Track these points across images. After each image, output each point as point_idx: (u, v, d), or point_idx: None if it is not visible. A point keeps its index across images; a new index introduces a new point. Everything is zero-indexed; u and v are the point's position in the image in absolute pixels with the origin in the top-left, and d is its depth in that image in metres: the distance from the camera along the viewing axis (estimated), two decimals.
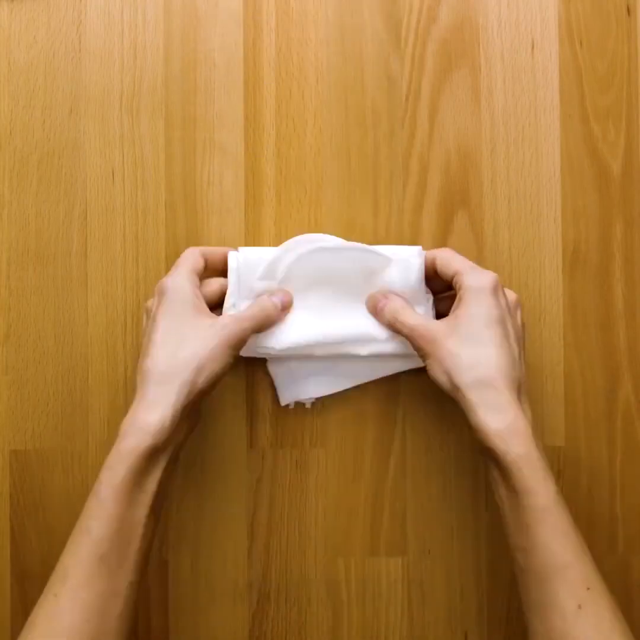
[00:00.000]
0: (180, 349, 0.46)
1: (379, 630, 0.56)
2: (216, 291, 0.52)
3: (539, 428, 0.55)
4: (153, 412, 0.45)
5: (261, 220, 0.56)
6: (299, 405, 0.55)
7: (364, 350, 0.52)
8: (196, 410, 0.49)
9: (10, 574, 0.55)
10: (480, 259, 0.56)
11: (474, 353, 0.46)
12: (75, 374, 0.55)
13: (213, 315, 0.49)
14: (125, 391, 0.55)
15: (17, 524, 0.55)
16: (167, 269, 0.55)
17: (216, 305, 0.52)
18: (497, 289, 0.48)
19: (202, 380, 0.46)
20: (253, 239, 0.55)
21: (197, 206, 0.55)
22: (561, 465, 0.55)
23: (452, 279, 0.50)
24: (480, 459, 0.55)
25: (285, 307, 0.51)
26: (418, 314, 0.50)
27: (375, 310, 0.52)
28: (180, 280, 0.49)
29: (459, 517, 0.56)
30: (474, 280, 0.48)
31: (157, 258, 0.55)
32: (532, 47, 0.56)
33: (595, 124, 0.56)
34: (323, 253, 0.51)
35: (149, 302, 0.51)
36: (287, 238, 0.55)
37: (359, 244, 0.52)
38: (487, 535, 0.55)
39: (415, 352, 0.50)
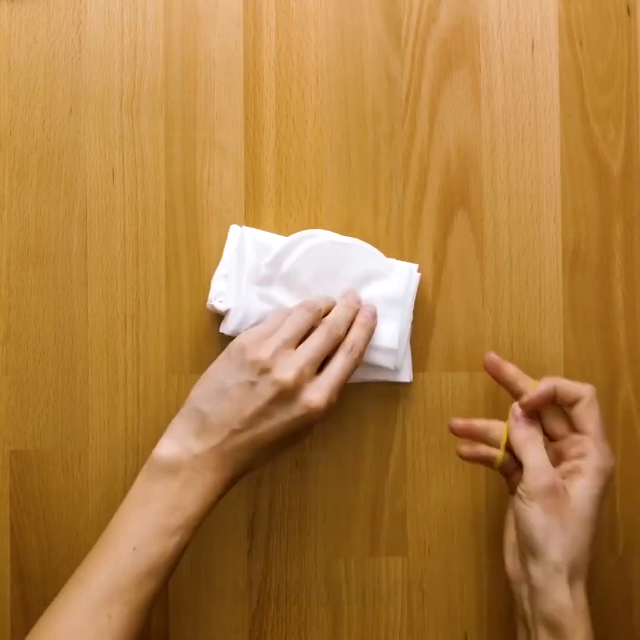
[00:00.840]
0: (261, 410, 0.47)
1: (379, 630, 0.56)
2: None
3: None
4: (211, 495, 0.47)
5: (261, 220, 0.56)
6: None
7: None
8: None
9: (10, 574, 0.55)
10: (480, 259, 0.56)
11: (573, 541, 0.46)
12: (75, 374, 0.55)
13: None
14: (125, 391, 0.55)
15: (17, 524, 0.55)
16: (167, 269, 0.55)
17: None
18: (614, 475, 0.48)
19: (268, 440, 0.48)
20: None
21: (197, 206, 0.55)
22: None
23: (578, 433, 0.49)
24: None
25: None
26: (544, 454, 0.48)
27: (478, 458, 0.50)
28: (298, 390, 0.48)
29: (459, 517, 0.56)
30: (602, 460, 0.47)
31: (157, 258, 0.55)
32: (532, 47, 0.56)
33: (595, 124, 0.56)
34: (328, 248, 0.52)
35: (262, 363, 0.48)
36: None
37: (365, 244, 0.53)
38: (487, 535, 0.55)
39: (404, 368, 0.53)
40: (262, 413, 0.47)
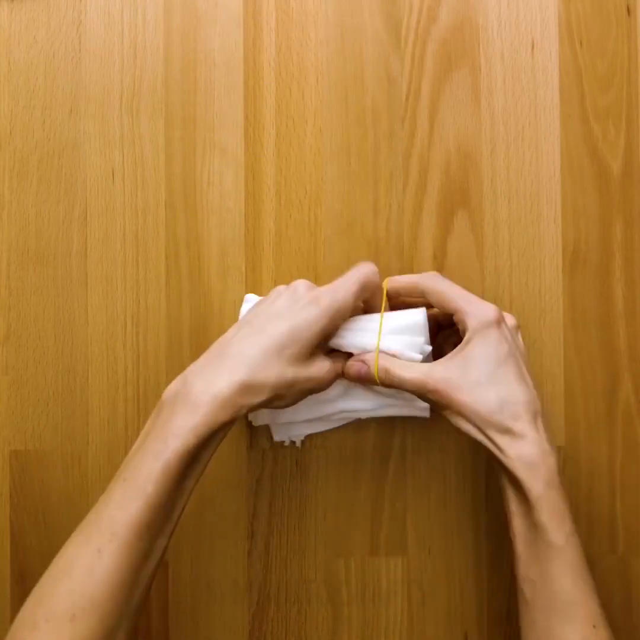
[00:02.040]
0: (282, 368, 0.46)
1: (379, 630, 0.56)
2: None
3: None
4: (238, 396, 0.45)
5: (261, 220, 0.56)
6: (292, 442, 0.55)
7: (363, 415, 0.54)
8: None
9: (10, 574, 0.55)
10: (480, 259, 0.56)
11: (494, 396, 0.46)
12: (75, 374, 0.55)
13: (323, 352, 0.49)
14: (125, 391, 0.55)
15: (17, 524, 0.55)
16: (167, 269, 0.55)
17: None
18: (500, 321, 0.47)
19: (277, 403, 0.47)
20: (253, 239, 0.55)
21: (197, 206, 0.55)
22: (561, 465, 0.55)
23: (450, 313, 0.49)
24: (480, 460, 0.55)
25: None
26: (415, 365, 0.48)
27: (359, 377, 0.49)
28: (338, 315, 0.47)
29: (459, 517, 0.56)
30: (476, 318, 0.47)
31: (157, 258, 0.55)
32: (532, 47, 0.56)
33: (595, 124, 0.56)
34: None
35: (304, 287, 0.48)
36: (287, 238, 0.55)
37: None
38: (487, 535, 0.55)
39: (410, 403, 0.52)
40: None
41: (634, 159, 0.56)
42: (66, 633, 0.41)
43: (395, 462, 0.56)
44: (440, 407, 0.47)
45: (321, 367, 0.47)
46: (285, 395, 0.46)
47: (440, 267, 0.55)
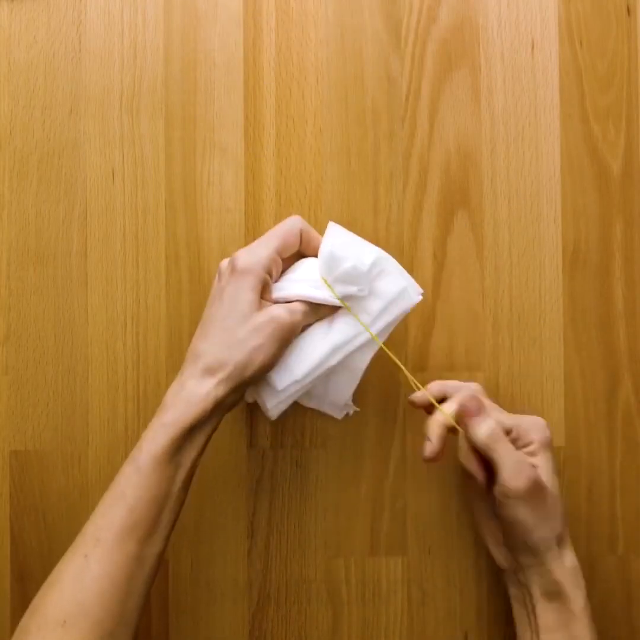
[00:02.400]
0: (235, 338, 0.46)
1: (379, 630, 0.56)
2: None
3: None
4: (199, 390, 0.46)
5: (261, 220, 0.56)
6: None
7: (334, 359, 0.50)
8: (238, 399, 0.49)
9: (10, 574, 0.55)
10: (480, 259, 0.56)
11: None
12: (75, 374, 0.55)
13: (268, 303, 0.48)
14: (125, 391, 0.55)
15: (17, 524, 0.55)
16: (167, 269, 0.55)
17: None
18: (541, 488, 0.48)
19: (249, 373, 0.46)
20: (253, 238, 0.55)
21: (197, 206, 0.55)
22: (561, 465, 0.55)
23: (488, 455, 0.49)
24: None
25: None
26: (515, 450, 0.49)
27: (470, 416, 0.49)
28: (256, 263, 0.47)
29: (459, 517, 0.56)
30: (546, 434, 0.49)
31: (157, 258, 0.55)
32: (532, 47, 0.56)
33: (595, 124, 0.56)
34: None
35: (224, 265, 0.49)
36: None
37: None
38: None
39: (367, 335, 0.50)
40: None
41: (634, 159, 0.56)
42: (58, 638, 0.42)
43: (395, 462, 0.56)
44: (531, 503, 0.47)
45: (268, 311, 0.47)
46: (253, 358, 0.46)
47: (440, 267, 0.55)
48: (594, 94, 0.56)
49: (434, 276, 0.56)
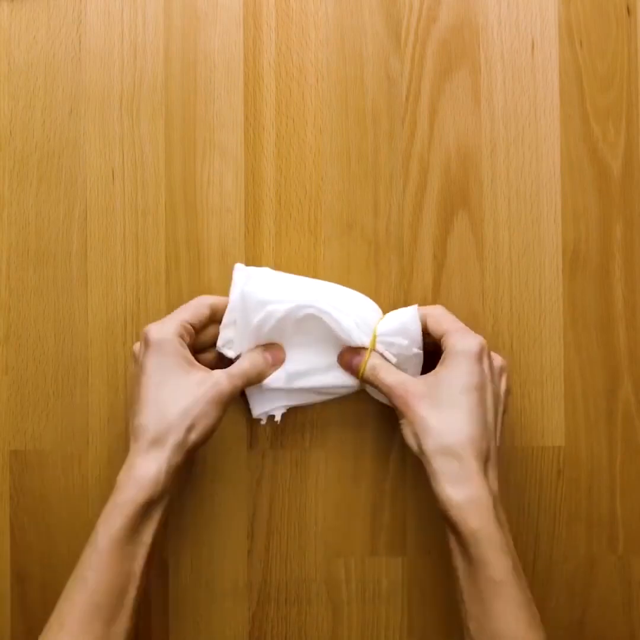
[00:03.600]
0: (171, 407, 0.47)
1: (379, 630, 0.56)
2: (211, 337, 0.52)
3: (538, 428, 0.55)
4: (148, 467, 0.46)
5: (261, 220, 0.56)
6: (270, 418, 0.54)
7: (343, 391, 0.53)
8: (190, 461, 0.50)
9: (10, 574, 0.55)
10: (480, 259, 0.56)
11: (444, 419, 0.47)
12: (75, 374, 0.55)
13: (203, 368, 0.49)
14: (125, 391, 0.55)
15: (17, 524, 0.55)
16: (167, 269, 0.55)
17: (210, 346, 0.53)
18: (482, 355, 0.48)
19: (194, 437, 0.47)
20: (253, 239, 0.55)
21: (197, 206, 0.55)
22: (561, 465, 0.55)
23: (440, 339, 0.50)
24: None
25: (276, 364, 0.51)
26: (397, 372, 0.50)
27: (349, 366, 0.51)
28: (167, 332, 0.48)
29: None
30: (459, 343, 0.48)
31: (157, 258, 0.55)
32: (532, 47, 0.56)
33: (595, 124, 0.56)
34: (318, 314, 0.51)
35: (136, 347, 0.50)
36: (287, 238, 0.55)
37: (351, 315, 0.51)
38: None
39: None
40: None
41: (634, 159, 0.56)
42: None
43: (395, 462, 0.56)
44: (398, 414, 0.49)
45: (200, 378, 0.48)
46: (193, 423, 0.47)
47: (440, 267, 0.56)
48: (594, 94, 0.56)
49: (434, 276, 0.56)
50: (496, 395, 0.49)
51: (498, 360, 0.50)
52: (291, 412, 0.55)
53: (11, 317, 0.55)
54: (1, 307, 0.55)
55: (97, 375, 0.55)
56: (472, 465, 0.46)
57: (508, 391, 0.50)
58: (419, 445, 0.47)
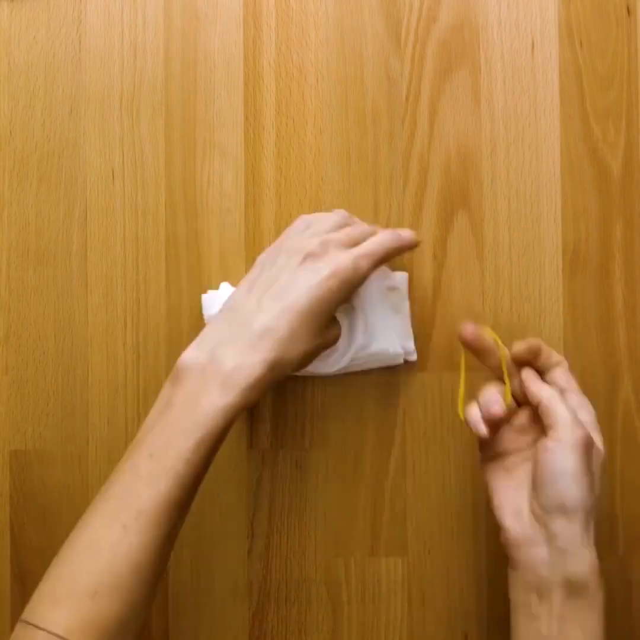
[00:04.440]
0: (312, 343, 0.46)
1: (379, 630, 0.56)
2: None
3: None
4: (268, 378, 0.44)
5: (261, 220, 0.56)
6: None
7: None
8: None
9: (10, 574, 0.55)
10: (480, 259, 0.56)
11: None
12: (75, 374, 0.55)
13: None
14: (125, 391, 0.55)
15: (17, 524, 0.55)
16: (167, 269, 0.55)
17: None
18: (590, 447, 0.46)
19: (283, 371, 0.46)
20: (253, 239, 0.55)
21: (197, 206, 0.55)
22: None
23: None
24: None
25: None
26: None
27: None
28: (359, 280, 0.47)
29: (459, 517, 0.56)
30: (593, 416, 0.49)
31: (157, 258, 0.55)
32: (532, 47, 0.56)
33: (595, 124, 0.56)
34: None
35: (317, 226, 0.49)
36: None
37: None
38: (487, 535, 0.55)
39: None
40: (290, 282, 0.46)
41: (634, 159, 0.56)
42: (86, 609, 0.41)
43: (395, 462, 0.56)
44: (582, 460, 0.46)
45: (335, 332, 0.48)
46: (304, 364, 0.47)
47: (440, 267, 0.55)
48: (594, 94, 0.56)
49: (434, 276, 0.56)
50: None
51: (600, 452, 0.48)
52: (291, 412, 0.55)
53: (11, 317, 0.55)
54: (1, 307, 0.55)
55: (97, 375, 0.55)
56: (593, 544, 0.46)
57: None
58: (582, 502, 0.45)
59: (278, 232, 0.55)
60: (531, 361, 0.50)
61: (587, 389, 0.55)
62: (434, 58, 0.55)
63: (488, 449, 0.49)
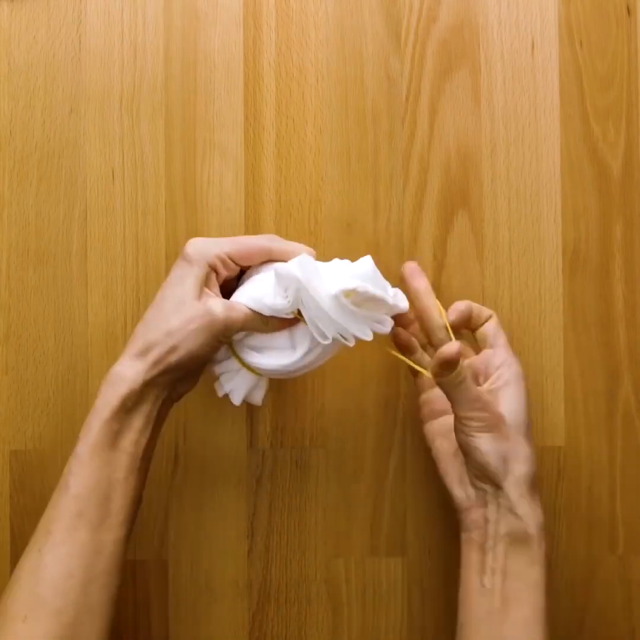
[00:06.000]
0: (163, 323, 0.47)
1: (379, 630, 0.56)
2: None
3: (539, 428, 0.55)
4: (124, 372, 0.46)
5: (261, 220, 0.56)
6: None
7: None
8: (178, 382, 0.48)
9: (10, 574, 0.55)
10: (480, 259, 0.56)
11: (525, 449, 0.48)
12: (75, 374, 0.55)
13: (212, 295, 0.48)
14: None
15: (17, 524, 0.55)
16: (167, 269, 0.55)
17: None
18: (529, 426, 0.49)
19: (174, 359, 0.46)
20: None
21: (197, 206, 0.55)
22: (561, 465, 0.55)
23: (484, 345, 0.51)
24: None
25: (278, 329, 0.49)
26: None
27: (443, 372, 0.48)
28: (202, 254, 0.48)
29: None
30: (510, 371, 0.49)
31: (157, 258, 0.55)
32: (532, 47, 0.56)
33: (595, 124, 0.56)
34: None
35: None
36: (287, 238, 0.55)
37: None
38: None
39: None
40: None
41: (634, 159, 0.56)
42: (21, 632, 0.42)
43: (395, 461, 0.56)
44: (479, 429, 0.47)
45: (201, 306, 0.47)
46: (176, 345, 0.46)
47: (440, 267, 0.56)
48: (594, 94, 0.56)
49: (434, 276, 0.56)
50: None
51: (514, 366, 0.51)
52: (291, 411, 0.55)
53: (11, 317, 0.55)
54: (1, 307, 0.55)
55: (97, 375, 0.55)
56: (537, 501, 0.48)
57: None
58: (503, 468, 0.47)
59: (278, 232, 0.55)
60: (467, 324, 0.52)
61: (587, 389, 0.56)
62: (434, 58, 0.55)
63: (428, 406, 0.52)
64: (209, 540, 0.55)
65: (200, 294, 0.47)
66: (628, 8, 0.56)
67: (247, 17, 0.55)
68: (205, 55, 0.55)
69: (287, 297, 0.47)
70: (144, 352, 0.46)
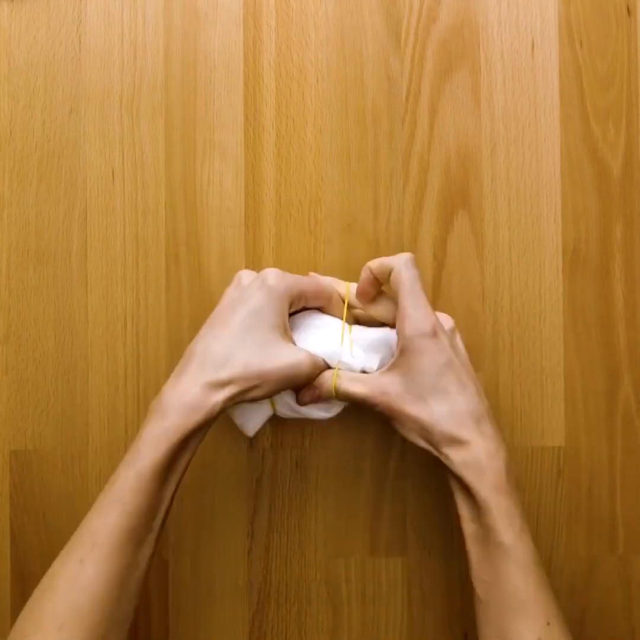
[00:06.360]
0: (253, 357, 0.46)
1: (379, 630, 0.56)
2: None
3: (538, 428, 0.55)
4: (205, 399, 0.45)
5: (261, 220, 0.56)
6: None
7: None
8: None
9: (10, 574, 0.55)
10: (480, 259, 0.56)
11: (436, 408, 0.47)
12: (75, 374, 0.55)
13: (292, 341, 0.49)
14: (125, 391, 0.55)
15: (17, 524, 0.55)
16: (167, 269, 0.55)
17: None
18: (435, 333, 0.47)
19: (254, 395, 0.46)
20: (253, 239, 0.55)
21: (197, 206, 0.55)
22: (561, 465, 0.55)
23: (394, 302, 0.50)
24: None
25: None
26: (361, 377, 0.49)
27: (313, 399, 0.51)
28: (285, 288, 0.48)
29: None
30: (412, 327, 0.47)
31: (157, 258, 0.55)
32: (532, 47, 0.56)
33: (595, 124, 0.56)
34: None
35: (245, 275, 0.50)
36: (287, 238, 0.55)
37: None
38: None
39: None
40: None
41: (634, 159, 0.56)
42: None
43: (395, 462, 0.56)
44: (388, 418, 0.48)
45: (293, 353, 0.47)
46: (260, 385, 0.46)
47: (440, 267, 0.56)
48: (594, 94, 0.56)
49: (434, 276, 0.56)
50: (463, 358, 0.48)
51: (447, 321, 0.50)
52: None
53: (11, 317, 0.55)
54: (1, 307, 0.55)
55: (97, 375, 0.55)
56: (479, 436, 0.46)
57: (463, 345, 0.50)
58: (426, 440, 0.47)
59: (278, 232, 0.55)
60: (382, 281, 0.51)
61: (587, 389, 0.56)
62: (434, 58, 0.55)
63: None
64: (209, 540, 0.55)
65: (285, 334, 0.48)
66: (628, 8, 0.56)
67: (247, 17, 0.55)
68: (205, 55, 0.55)
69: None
70: (224, 384, 0.45)
